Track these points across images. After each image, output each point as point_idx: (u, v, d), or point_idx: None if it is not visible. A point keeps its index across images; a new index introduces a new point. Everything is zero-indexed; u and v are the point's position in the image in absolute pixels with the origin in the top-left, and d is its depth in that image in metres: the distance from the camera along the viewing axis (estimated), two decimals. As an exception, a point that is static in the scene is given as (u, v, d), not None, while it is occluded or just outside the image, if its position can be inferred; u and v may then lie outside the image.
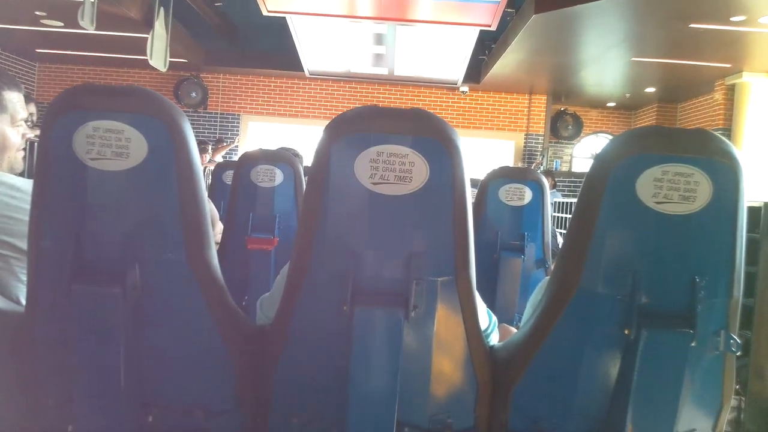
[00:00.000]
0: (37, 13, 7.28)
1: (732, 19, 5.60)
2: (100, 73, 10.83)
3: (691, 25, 5.90)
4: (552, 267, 2.49)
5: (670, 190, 1.01)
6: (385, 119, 1.05)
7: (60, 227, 1.06)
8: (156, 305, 1.10)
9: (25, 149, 1.56)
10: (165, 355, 1.14)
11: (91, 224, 1.06)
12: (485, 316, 1.36)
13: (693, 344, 1.03)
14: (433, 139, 1.04)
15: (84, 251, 1.05)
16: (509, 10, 6.67)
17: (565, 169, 11.33)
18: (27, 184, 1.37)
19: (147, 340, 1.11)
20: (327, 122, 1.07)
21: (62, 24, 7.74)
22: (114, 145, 1.02)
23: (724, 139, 1.05)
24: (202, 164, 7.88)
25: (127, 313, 1.05)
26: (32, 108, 5.65)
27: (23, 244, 1.27)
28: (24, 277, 1.30)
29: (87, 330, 1.06)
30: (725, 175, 1.02)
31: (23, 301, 1.26)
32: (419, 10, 6.69)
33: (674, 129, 1.06)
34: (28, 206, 1.08)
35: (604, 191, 1.05)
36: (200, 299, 1.10)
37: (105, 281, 1.04)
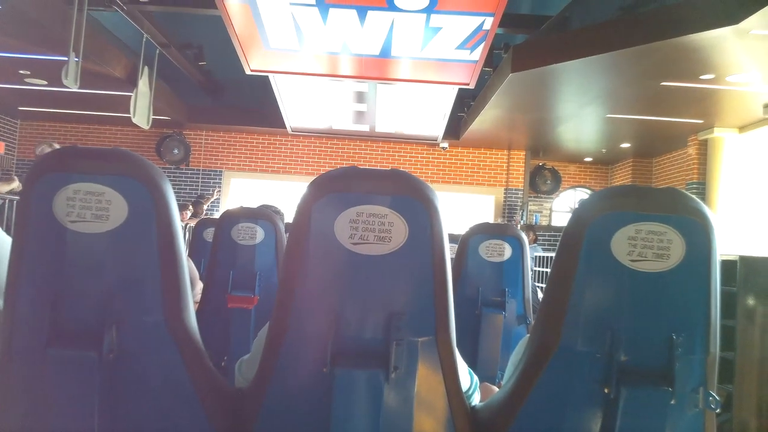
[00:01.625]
0: (21, 72, 7.35)
1: (701, 77, 5.79)
2: (82, 131, 10.86)
3: (663, 83, 6.09)
4: (533, 323, 2.50)
5: (644, 248, 1.03)
6: (365, 179, 1.07)
7: (37, 289, 1.05)
8: (133, 368, 1.08)
9: None
10: (142, 419, 1.12)
11: (69, 287, 1.05)
12: (467, 376, 1.35)
13: (672, 402, 1.03)
14: (411, 198, 1.06)
15: (60, 314, 1.04)
16: (487, 69, 6.85)
17: (544, 223, 11.45)
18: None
19: (123, 404, 1.08)
20: (309, 178, 1.09)
21: (46, 82, 7.80)
22: (94, 207, 1.03)
23: (694, 197, 1.08)
24: (183, 221, 7.87)
25: (103, 376, 1.03)
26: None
27: None
28: None
29: (62, 394, 1.03)
30: (697, 232, 1.04)
31: None
32: (399, 69, 6.86)
33: (646, 188, 1.09)
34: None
35: (581, 249, 1.06)
36: (178, 362, 1.09)
37: (81, 344, 1.03)
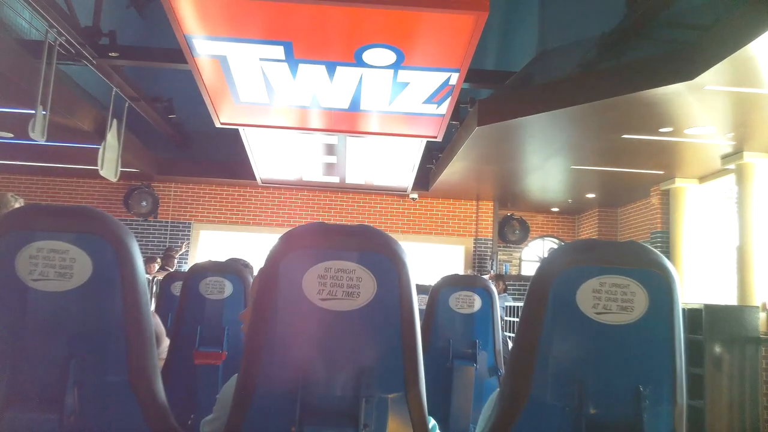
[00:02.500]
0: (-14, 124, 7.27)
1: (660, 130, 6.00)
2: (49, 183, 10.72)
3: (624, 136, 6.28)
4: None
5: (609, 300, 1.05)
6: (333, 235, 1.07)
7: None
8: (94, 430, 1.05)
9: None
10: (102, 485, 1.08)
11: (30, 347, 1.02)
12: None
13: (642, 455, 1.03)
14: (379, 253, 1.07)
15: (20, 375, 1.01)
16: (454, 122, 6.99)
17: (514, 272, 11.53)
18: None
19: (83, 469, 1.05)
20: (279, 230, 1.09)
21: (12, 135, 7.72)
22: (58, 266, 1.01)
23: (655, 250, 1.10)
24: (151, 274, 7.74)
25: (63, 440, 1.00)
26: None
27: None
28: None
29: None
30: (659, 284, 1.07)
31: None
32: (368, 122, 6.96)
33: (608, 242, 1.11)
34: None
35: (547, 302, 1.08)
36: (142, 423, 1.06)
37: (41, 407, 1.00)
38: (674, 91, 4.87)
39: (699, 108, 5.31)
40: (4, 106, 6.47)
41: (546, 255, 1.35)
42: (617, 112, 5.56)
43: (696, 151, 6.82)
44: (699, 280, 8.22)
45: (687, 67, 4.60)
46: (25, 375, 1.01)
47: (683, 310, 1.14)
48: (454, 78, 5.48)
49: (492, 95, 6.69)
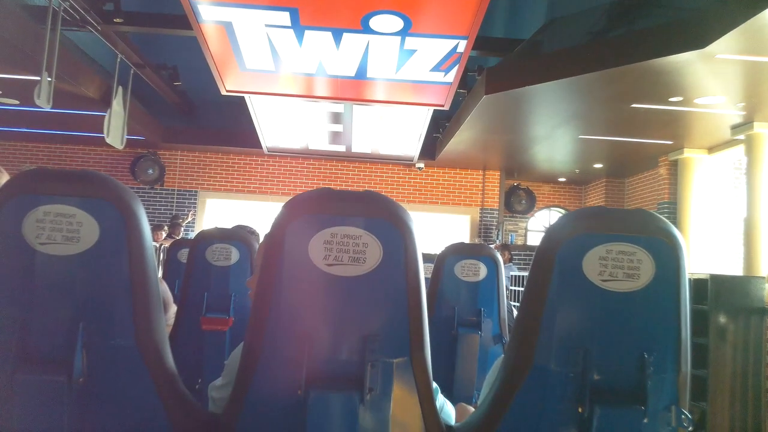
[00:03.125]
0: (-8, 91, 7.26)
1: (670, 99, 5.93)
2: (55, 151, 10.72)
3: (633, 105, 6.21)
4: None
5: (615, 268, 1.05)
6: (339, 201, 1.07)
7: (5, 313, 1.03)
8: (103, 393, 1.06)
9: None
10: (112, 445, 1.10)
11: (38, 310, 1.03)
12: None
13: (645, 420, 1.04)
14: (385, 220, 1.06)
15: (29, 338, 1.02)
16: (461, 90, 6.93)
17: (520, 242, 11.53)
18: None
19: (93, 429, 1.06)
20: (285, 199, 1.09)
21: (18, 102, 7.71)
22: (65, 230, 1.01)
23: (663, 218, 1.10)
24: (158, 241, 7.78)
25: (72, 401, 1.01)
26: None
27: None
28: None
29: (30, 420, 1.01)
30: (666, 252, 1.06)
31: None
32: (375, 90, 6.90)
33: (615, 209, 1.10)
34: None
35: (553, 269, 1.08)
36: (150, 386, 1.07)
37: (50, 369, 1.01)
38: (685, 60, 4.80)
39: (710, 77, 5.24)
40: (9, 72, 6.45)
41: (550, 224, 1.35)
42: (627, 81, 5.49)
43: (706, 121, 6.75)
44: (705, 251, 8.20)
45: (698, 35, 4.53)
46: (34, 338, 1.02)
47: (689, 280, 1.14)
48: (462, 45, 5.41)
49: (500, 63, 6.61)
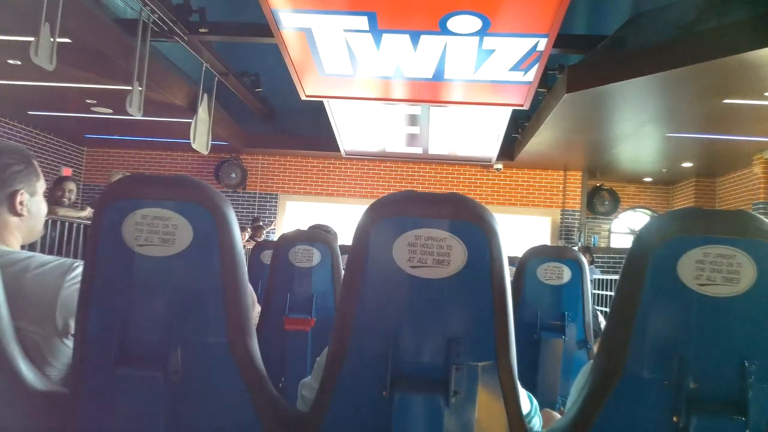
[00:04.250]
0: (88, 101, 7.69)
1: (766, 94, 5.61)
2: (145, 156, 11.27)
3: (725, 101, 5.92)
4: (594, 348, 2.43)
5: (713, 272, 1.00)
6: (423, 203, 1.07)
7: (107, 312, 1.09)
8: (196, 389, 1.11)
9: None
10: (204, 439, 1.14)
11: (137, 309, 1.08)
12: (526, 401, 1.33)
13: (746, 432, 0.98)
14: (470, 222, 1.05)
15: (128, 335, 1.07)
16: (541, 89, 6.79)
17: (603, 244, 11.19)
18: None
19: (187, 424, 1.11)
20: (363, 201, 1.10)
21: (111, 111, 8.15)
22: (161, 232, 1.06)
23: (765, 219, 1.03)
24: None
25: (167, 397, 1.06)
26: (71, 185, 5.88)
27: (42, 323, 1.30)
28: (49, 358, 1.31)
29: (129, 413, 1.06)
30: (769, 255, 1.00)
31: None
32: (452, 91, 6.87)
33: (713, 210, 1.05)
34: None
35: (646, 273, 1.03)
36: (240, 384, 1.11)
37: (147, 365, 1.06)
38: (782, 52, 4.53)
39: (810, 69, 4.92)
40: (103, 83, 6.83)
41: (642, 227, 1.28)
42: (718, 76, 5.23)
43: (804, 115, 6.34)
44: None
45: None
46: (133, 335, 1.08)
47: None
48: (542, 44, 5.31)
49: (582, 61, 6.43)
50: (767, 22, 4.52)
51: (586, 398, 1.11)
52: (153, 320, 1.08)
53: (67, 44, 5.39)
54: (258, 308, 2.68)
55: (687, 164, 9.50)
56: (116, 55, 5.93)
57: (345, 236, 3.00)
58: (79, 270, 1.33)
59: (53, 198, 5.55)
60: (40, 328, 1.29)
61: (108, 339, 1.06)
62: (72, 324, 1.30)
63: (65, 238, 5.08)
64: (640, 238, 1.07)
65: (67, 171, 10.46)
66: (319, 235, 2.47)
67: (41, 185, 1.52)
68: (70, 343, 1.31)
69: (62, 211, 5.50)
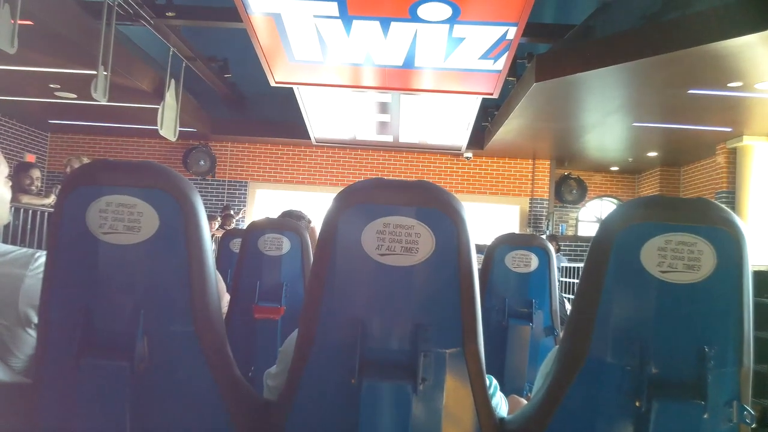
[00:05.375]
0: (52, 85, 7.51)
1: (729, 84, 5.72)
2: (111, 143, 11.05)
3: (690, 91, 6.02)
4: (560, 335, 2.47)
5: (674, 259, 1.02)
6: (391, 191, 1.07)
7: (70, 300, 1.07)
8: (163, 378, 1.09)
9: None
10: (171, 428, 1.13)
11: (101, 297, 1.06)
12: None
13: (705, 416, 1.01)
14: (438, 210, 1.06)
15: (93, 324, 1.06)
16: (510, 78, 6.83)
17: (570, 233, 11.34)
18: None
19: (153, 413, 1.10)
20: (333, 189, 1.10)
21: (75, 96, 7.96)
22: (126, 219, 1.04)
23: (725, 207, 1.06)
24: (210, 232, 7.94)
25: (134, 386, 1.04)
26: (37, 173, 5.75)
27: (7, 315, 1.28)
28: (12, 348, 1.29)
29: (93, 403, 1.05)
30: (728, 243, 1.03)
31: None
32: (423, 79, 6.87)
33: (675, 198, 1.07)
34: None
35: (609, 260, 1.05)
36: (207, 372, 1.10)
37: (113, 354, 1.04)
38: (745, 43, 4.62)
39: (772, 61, 5.03)
40: (67, 67, 6.66)
41: (607, 214, 1.31)
42: (683, 67, 5.32)
43: (766, 106, 6.48)
44: (766, 242, 7.90)
45: (759, 18, 4.34)
46: (97, 324, 1.06)
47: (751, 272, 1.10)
48: (512, 32, 5.33)
49: (551, 50, 6.49)
50: (731, 13, 4.61)
51: (550, 384, 1.13)
52: (118, 309, 1.07)
53: (28, 27, 5.24)
54: (227, 297, 2.66)
55: (652, 153, 9.66)
56: (80, 39, 5.79)
57: (314, 224, 3.00)
58: (43, 260, 1.31)
59: (20, 186, 5.43)
60: (3, 318, 1.27)
61: (72, 329, 1.04)
62: (35, 314, 1.28)
63: (29, 227, 4.97)
64: (604, 225, 1.09)
65: (30, 157, 10.22)
66: (288, 224, 2.45)
67: (3, 171, 1.49)
68: (33, 333, 1.29)
69: (25, 199, 5.38)
